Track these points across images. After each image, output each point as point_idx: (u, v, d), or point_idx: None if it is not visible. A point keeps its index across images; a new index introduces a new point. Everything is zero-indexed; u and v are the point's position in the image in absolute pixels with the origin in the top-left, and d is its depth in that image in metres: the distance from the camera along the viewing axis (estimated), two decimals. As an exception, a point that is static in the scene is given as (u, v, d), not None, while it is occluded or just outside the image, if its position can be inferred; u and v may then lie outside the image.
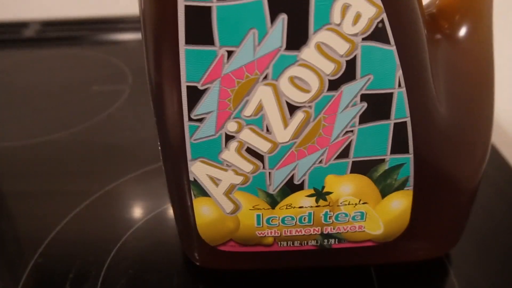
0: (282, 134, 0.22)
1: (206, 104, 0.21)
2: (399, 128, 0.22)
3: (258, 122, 0.22)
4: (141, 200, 0.34)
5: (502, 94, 0.41)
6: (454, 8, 0.24)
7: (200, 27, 0.19)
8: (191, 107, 0.21)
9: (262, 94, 0.21)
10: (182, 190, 0.25)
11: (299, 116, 0.21)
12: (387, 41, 0.20)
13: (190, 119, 0.22)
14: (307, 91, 0.21)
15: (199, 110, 0.21)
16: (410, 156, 0.23)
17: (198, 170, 0.23)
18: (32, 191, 0.35)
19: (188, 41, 0.20)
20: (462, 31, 0.24)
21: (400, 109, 0.22)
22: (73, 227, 0.32)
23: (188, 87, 0.21)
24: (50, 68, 0.52)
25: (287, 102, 0.21)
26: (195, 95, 0.21)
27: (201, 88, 0.21)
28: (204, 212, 0.25)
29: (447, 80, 0.23)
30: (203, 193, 0.24)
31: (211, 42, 0.20)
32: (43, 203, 0.34)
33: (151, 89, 0.22)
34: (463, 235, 0.28)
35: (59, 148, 0.39)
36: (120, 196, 0.34)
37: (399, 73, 0.21)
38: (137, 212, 0.33)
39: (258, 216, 0.25)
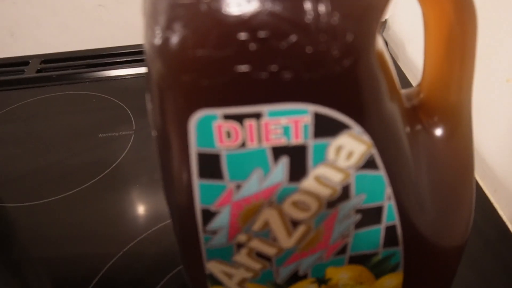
0: (287, 242, 0.25)
1: (218, 222, 0.24)
2: (390, 229, 0.25)
3: (265, 234, 0.24)
4: (159, 259, 0.37)
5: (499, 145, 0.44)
6: (434, 108, 0.27)
7: (211, 167, 0.22)
8: (205, 223, 0.24)
9: (268, 215, 0.24)
10: (200, 280, 0.28)
11: (301, 228, 0.24)
12: (376, 168, 0.23)
13: (204, 231, 0.25)
14: (307, 211, 0.23)
15: (212, 226, 0.24)
16: (400, 247, 0.26)
17: (213, 267, 0.26)
18: (53, 256, 0.38)
19: (201, 176, 0.22)
20: (440, 131, 0.26)
21: (390, 215, 0.25)
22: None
23: (202, 210, 0.24)
24: (53, 112, 0.54)
25: (290, 219, 0.24)
26: (209, 215, 0.24)
27: (213, 210, 0.24)
28: (219, 298, 0.28)
29: (429, 172, 0.26)
30: (218, 283, 0.27)
31: (221, 177, 0.22)
32: (67, 268, 0.37)
33: (169, 208, 0.25)
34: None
35: (73, 207, 0.42)
36: (139, 256, 0.37)
37: (388, 189, 0.24)
38: (157, 271, 0.36)
39: (267, 300, 0.28)
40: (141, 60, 0.60)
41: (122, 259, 0.37)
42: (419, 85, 0.28)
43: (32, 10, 0.58)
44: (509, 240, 0.40)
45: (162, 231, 0.39)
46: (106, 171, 0.45)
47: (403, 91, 0.27)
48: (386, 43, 0.66)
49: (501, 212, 0.42)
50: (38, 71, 0.60)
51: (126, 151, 0.47)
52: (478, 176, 0.46)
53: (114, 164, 0.45)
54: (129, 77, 0.59)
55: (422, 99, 0.27)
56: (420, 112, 0.27)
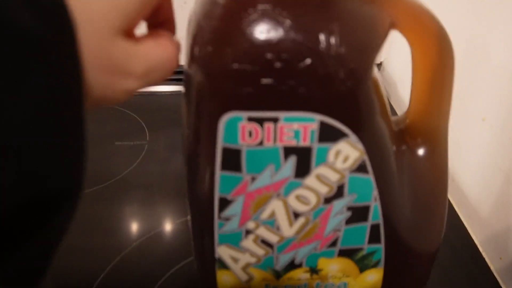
0: (288, 231, 0.29)
1: (233, 209, 0.29)
2: (374, 227, 0.30)
3: (271, 223, 0.29)
4: (164, 255, 0.41)
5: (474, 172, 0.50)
6: (417, 132, 0.32)
7: (232, 160, 0.27)
8: (221, 210, 0.29)
9: (275, 206, 0.28)
10: (208, 264, 0.32)
11: (301, 220, 0.29)
12: (367, 172, 0.28)
13: (219, 218, 0.29)
14: (308, 204, 0.28)
15: (227, 213, 0.29)
16: (382, 245, 0.31)
17: (223, 251, 0.31)
18: (65, 248, 0.42)
19: (222, 168, 0.27)
20: (422, 151, 0.32)
21: (375, 215, 0.29)
22: (109, 282, 0.39)
23: (220, 197, 0.28)
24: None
25: (293, 211, 0.29)
26: (225, 203, 0.28)
27: (229, 199, 0.28)
28: (224, 281, 0.32)
29: (410, 185, 0.31)
30: (225, 267, 0.32)
31: (239, 170, 0.27)
32: (80, 258, 0.41)
33: (189, 196, 0.30)
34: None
35: (89, 204, 0.46)
36: (146, 251, 0.42)
37: (375, 192, 0.29)
38: (162, 266, 0.40)
39: (266, 285, 0.32)
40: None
41: (124, 259, 0.41)
42: (406, 112, 0.33)
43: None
44: (480, 261, 0.44)
45: (158, 236, 0.43)
46: (122, 175, 0.49)
47: (393, 118, 0.32)
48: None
49: (474, 237, 0.47)
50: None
51: (140, 158, 0.51)
52: (455, 204, 0.51)
53: (129, 169, 0.50)
54: (144, 94, 0.64)
55: (408, 124, 0.33)
56: (406, 134, 0.32)
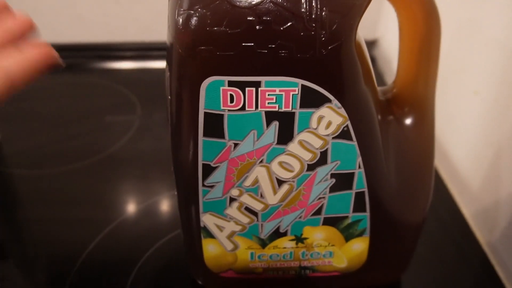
0: (272, 198, 0.29)
1: (216, 176, 0.29)
2: (359, 195, 0.30)
3: (255, 190, 0.29)
4: (153, 227, 0.41)
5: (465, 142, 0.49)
6: (404, 100, 0.32)
7: (215, 126, 0.27)
8: (205, 177, 0.29)
9: (258, 172, 0.28)
10: (194, 233, 0.32)
11: (285, 187, 0.29)
12: (350, 139, 0.27)
13: (203, 185, 0.29)
14: (291, 171, 0.28)
15: (210, 180, 0.29)
16: (367, 214, 0.31)
17: (207, 220, 0.31)
18: (56, 219, 0.42)
19: (205, 135, 0.27)
20: (409, 120, 0.31)
21: (360, 183, 0.29)
22: (98, 253, 0.39)
23: (203, 164, 0.28)
24: (64, 95, 0.58)
25: (276, 178, 0.28)
26: (208, 170, 0.28)
27: (213, 165, 0.28)
28: (210, 249, 0.32)
29: (396, 155, 0.31)
30: (210, 235, 0.32)
31: (222, 136, 0.27)
32: (69, 229, 0.41)
33: (174, 163, 0.29)
34: (412, 262, 0.36)
35: (80, 177, 0.46)
36: (135, 224, 0.42)
37: (359, 159, 0.28)
38: (150, 239, 0.40)
39: (251, 253, 0.32)
40: (148, 56, 0.65)
41: (119, 225, 0.41)
42: (393, 82, 0.33)
43: (52, 0, 0.63)
44: (469, 235, 0.45)
45: (157, 203, 0.44)
46: (111, 150, 0.49)
47: (380, 88, 0.32)
48: (375, 59, 0.72)
49: (464, 211, 0.47)
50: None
51: (131, 133, 0.51)
52: (446, 178, 0.51)
53: (119, 143, 0.50)
54: (136, 70, 0.63)
55: (395, 93, 0.32)
56: (392, 104, 0.32)
